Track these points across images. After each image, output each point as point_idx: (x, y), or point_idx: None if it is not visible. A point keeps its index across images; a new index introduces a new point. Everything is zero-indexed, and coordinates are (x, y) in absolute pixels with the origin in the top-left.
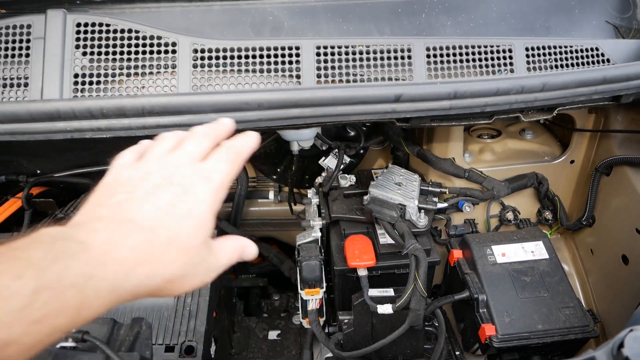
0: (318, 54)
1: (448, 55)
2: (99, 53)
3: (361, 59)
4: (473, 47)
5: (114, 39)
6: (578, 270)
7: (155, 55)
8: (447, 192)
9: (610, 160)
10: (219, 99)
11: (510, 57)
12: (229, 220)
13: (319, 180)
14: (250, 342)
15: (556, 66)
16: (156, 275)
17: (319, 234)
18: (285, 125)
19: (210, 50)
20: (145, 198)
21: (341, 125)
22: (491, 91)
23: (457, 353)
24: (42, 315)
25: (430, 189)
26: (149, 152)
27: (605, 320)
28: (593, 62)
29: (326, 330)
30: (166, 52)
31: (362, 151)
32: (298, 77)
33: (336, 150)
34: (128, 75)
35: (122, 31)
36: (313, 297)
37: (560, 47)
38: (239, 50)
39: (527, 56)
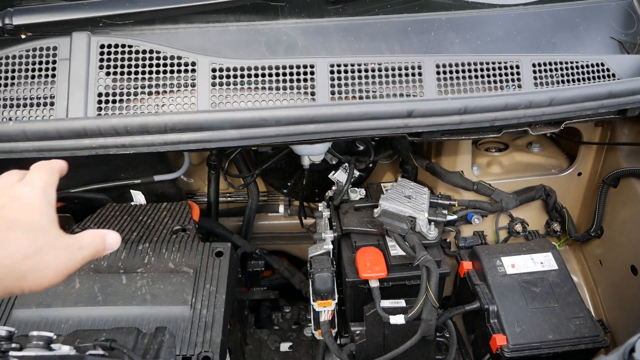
0: (332, 72)
1: (457, 71)
2: (122, 73)
3: (373, 76)
4: (481, 63)
5: (136, 59)
6: (587, 281)
7: (175, 75)
8: (456, 205)
9: (618, 172)
10: (239, 115)
11: (518, 73)
12: (240, 233)
13: (329, 193)
14: (262, 354)
15: (563, 81)
16: (7, 255)
17: (331, 247)
18: (300, 140)
19: (228, 69)
20: None
21: (351, 139)
22: (500, 106)
23: None
24: None
25: (439, 201)
26: None
27: (615, 330)
28: (599, 77)
29: (338, 342)
30: (186, 71)
31: (371, 165)
32: (313, 94)
33: (346, 164)
34: (149, 93)
35: (144, 52)
36: (325, 309)
37: (567, 62)
38: (256, 69)
39: (535, 72)
